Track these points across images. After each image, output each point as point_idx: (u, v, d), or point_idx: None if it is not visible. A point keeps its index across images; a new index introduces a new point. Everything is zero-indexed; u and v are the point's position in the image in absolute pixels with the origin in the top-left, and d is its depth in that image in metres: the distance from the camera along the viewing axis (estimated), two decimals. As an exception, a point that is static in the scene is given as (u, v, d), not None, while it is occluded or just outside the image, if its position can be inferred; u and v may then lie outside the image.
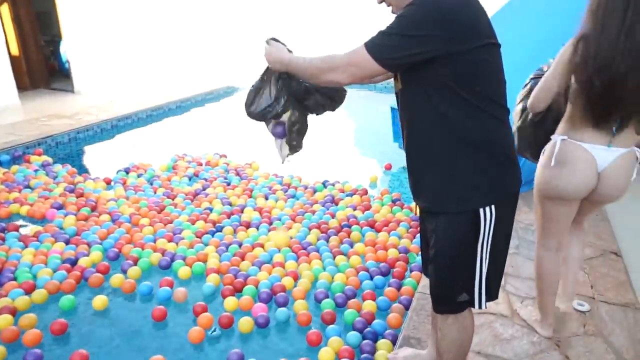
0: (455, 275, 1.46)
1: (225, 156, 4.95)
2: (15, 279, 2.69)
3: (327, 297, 2.61)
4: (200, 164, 4.70)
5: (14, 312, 2.41)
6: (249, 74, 9.01)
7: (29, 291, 2.57)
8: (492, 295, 1.50)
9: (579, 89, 1.75)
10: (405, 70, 1.37)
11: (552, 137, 1.91)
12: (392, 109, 4.79)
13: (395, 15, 1.31)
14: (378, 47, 1.29)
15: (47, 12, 7.53)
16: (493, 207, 1.36)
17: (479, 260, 1.41)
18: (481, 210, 1.36)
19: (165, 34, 8.70)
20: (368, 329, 2.34)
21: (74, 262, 2.87)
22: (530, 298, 2.47)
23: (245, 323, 2.36)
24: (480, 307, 1.47)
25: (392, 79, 1.54)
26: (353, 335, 2.28)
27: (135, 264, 2.87)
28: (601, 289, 2.56)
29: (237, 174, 4.45)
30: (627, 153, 1.79)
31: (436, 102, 1.32)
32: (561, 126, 1.90)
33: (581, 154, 1.80)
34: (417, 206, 1.59)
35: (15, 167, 4.33)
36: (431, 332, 1.92)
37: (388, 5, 1.44)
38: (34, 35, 7.61)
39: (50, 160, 4.60)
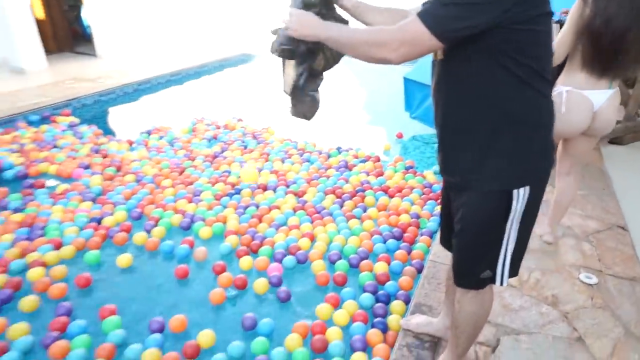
0: (481, 253, 1.34)
1: (242, 120, 4.80)
2: (44, 234, 2.66)
3: (340, 258, 2.54)
4: (219, 127, 4.57)
5: (45, 266, 2.38)
6: (263, 42, 8.76)
7: (57, 247, 2.53)
8: (514, 272, 1.38)
9: (587, 42, 1.95)
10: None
11: (555, 89, 2.11)
12: (405, 79, 4.58)
13: None
14: (436, 18, 1.06)
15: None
16: (528, 188, 1.23)
17: (505, 239, 1.30)
18: (515, 191, 1.22)
19: (178, 4, 8.40)
20: (381, 291, 2.27)
21: (99, 221, 2.82)
22: (539, 269, 2.36)
23: (260, 284, 2.31)
24: (502, 284, 1.37)
25: None
26: (366, 297, 2.22)
27: (156, 224, 2.81)
28: (609, 263, 2.44)
29: (254, 138, 4.32)
30: (615, 93, 2.08)
31: (481, 75, 1.15)
32: (562, 79, 2.16)
33: (582, 100, 2.08)
34: (444, 180, 1.45)
35: (44, 127, 4.26)
36: (444, 301, 1.83)
37: None
38: (58, 1, 7.38)
39: (77, 121, 4.52)
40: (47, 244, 2.53)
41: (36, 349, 1.91)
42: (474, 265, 1.36)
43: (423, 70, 4.48)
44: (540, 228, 2.51)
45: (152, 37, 7.92)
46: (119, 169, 3.54)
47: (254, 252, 2.60)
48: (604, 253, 2.52)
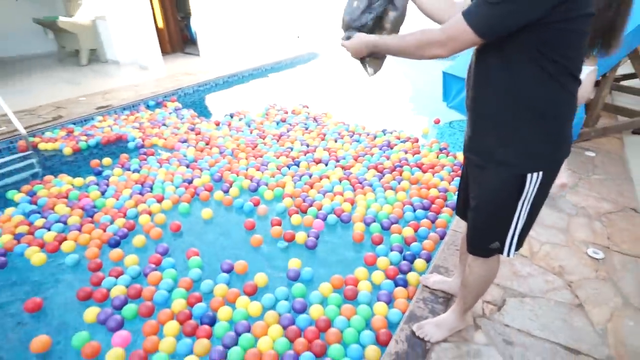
0: (492, 227, 1.27)
1: (307, 107, 4.80)
2: (152, 190, 2.88)
3: (374, 222, 2.50)
4: (287, 112, 4.61)
5: (150, 214, 2.60)
6: (327, 43, 8.63)
7: (159, 200, 2.74)
8: (519, 245, 1.29)
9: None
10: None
11: None
12: (444, 73, 4.31)
13: None
14: (480, 18, 0.96)
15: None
16: (541, 173, 1.13)
17: (516, 217, 1.21)
18: (529, 175, 1.13)
19: (264, 11, 8.47)
20: (408, 252, 2.22)
21: (190, 181, 3.00)
22: (549, 243, 2.16)
23: (301, 237, 2.35)
24: (509, 255, 1.29)
25: None
26: (394, 255, 2.18)
27: (231, 186, 2.93)
28: (617, 241, 2.19)
29: (315, 120, 4.31)
30: (593, 71, 1.96)
31: (512, 68, 1.05)
32: None
33: None
34: (466, 157, 1.33)
35: (157, 110, 4.57)
36: (458, 264, 1.76)
37: None
38: (173, 13, 7.75)
39: (180, 105, 4.78)
40: (153, 198, 2.75)
41: (141, 277, 2.10)
42: (486, 238, 1.29)
43: (460, 65, 4.18)
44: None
45: (240, 40, 8.14)
46: (207, 143, 3.72)
47: (303, 211, 2.63)
48: (614, 232, 2.27)
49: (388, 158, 3.35)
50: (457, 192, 1.60)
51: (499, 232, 1.25)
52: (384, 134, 3.88)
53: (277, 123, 4.28)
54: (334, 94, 5.42)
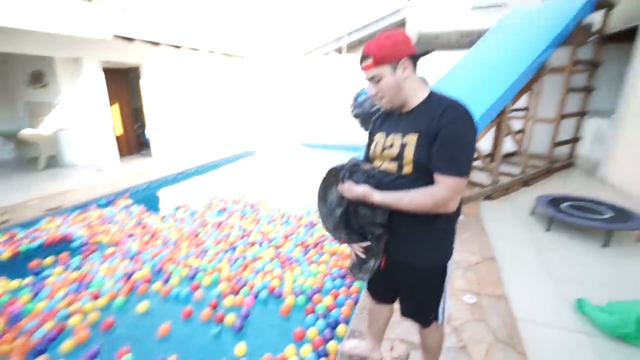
0: (432, 305, 1.34)
1: (246, 196, 4.79)
2: (89, 287, 2.54)
3: (301, 293, 2.43)
4: (227, 202, 4.53)
5: (83, 313, 2.25)
6: (263, 140, 9.03)
7: (95, 297, 2.41)
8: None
9: None
10: (425, 163, 1.09)
11: None
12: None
13: (452, 133, 1.03)
14: (465, 169, 1.06)
15: (139, 108, 7.69)
16: (450, 260, 1.29)
17: (443, 293, 1.31)
18: (447, 263, 1.28)
19: (207, 118, 8.78)
20: (330, 319, 2.15)
21: (130, 275, 2.71)
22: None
23: (231, 319, 2.18)
24: (443, 322, 1.37)
25: (386, 163, 1.17)
26: (320, 323, 2.11)
27: (170, 276, 2.70)
28: (484, 285, 2.37)
29: (252, 207, 4.30)
30: None
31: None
32: None
33: None
34: (393, 260, 1.29)
35: (108, 208, 4.23)
36: (368, 330, 1.72)
37: (379, 96, 1.12)
38: (131, 123, 7.72)
39: (131, 202, 4.50)
40: (89, 295, 2.41)
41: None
42: (429, 313, 1.35)
43: None
44: None
45: (187, 142, 8.19)
46: (153, 235, 3.47)
47: (236, 292, 2.47)
48: (481, 279, 2.44)
49: (312, 235, 3.39)
50: (373, 285, 1.51)
51: (436, 307, 1.33)
52: (309, 214, 3.97)
53: (218, 212, 4.16)
54: (268, 184, 5.54)
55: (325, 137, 8.35)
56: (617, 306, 1.97)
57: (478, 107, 3.79)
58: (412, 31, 8.55)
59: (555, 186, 4.68)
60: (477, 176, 4.72)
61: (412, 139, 1.10)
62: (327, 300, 2.34)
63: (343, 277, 2.65)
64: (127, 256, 2.98)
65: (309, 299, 2.38)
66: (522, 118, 4.81)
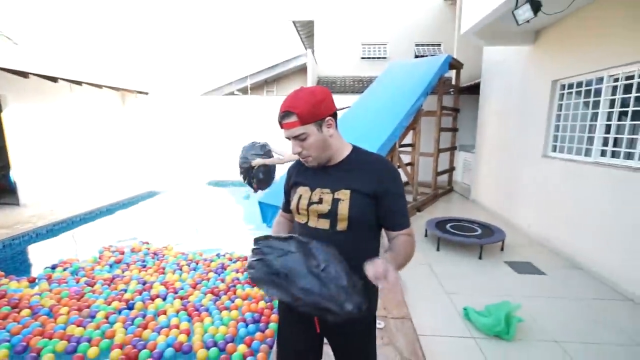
0: (372, 355, 1.23)
1: (148, 242, 4.30)
2: None
3: (215, 345, 2.26)
4: (123, 252, 3.97)
5: None
6: (165, 180, 8.40)
7: None
8: None
9: None
10: (361, 219, 1.08)
11: None
12: (260, 202, 4.33)
13: (398, 192, 1.10)
14: (408, 218, 1.14)
15: (0, 146, 6.32)
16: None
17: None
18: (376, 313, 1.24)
19: (92, 155, 7.75)
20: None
21: (-22, 364, 2.10)
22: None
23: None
24: None
25: (318, 220, 1.11)
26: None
27: (39, 355, 2.18)
28: (389, 308, 2.55)
29: (155, 255, 3.87)
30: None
31: (372, 243, 1.14)
32: None
33: None
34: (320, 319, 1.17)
35: (-56, 278, 3.24)
36: None
37: (304, 154, 1.09)
38: (-13, 163, 6.25)
39: (-18, 266, 3.55)
40: None
41: None
42: None
43: (270, 194, 4.39)
44: None
45: (68, 185, 7.02)
46: (15, 306, 2.77)
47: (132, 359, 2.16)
48: (386, 302, 2.63)
49: (223, 281, 3.23)
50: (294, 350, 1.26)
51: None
52: (219, 257, 3.79)
53: (110, 266, 3.62)
54: (174, 227, 5.11)
55: (231, 174, 8.25)
56: (491, 309, 2.42)
57: (374, 143, 4.39)
58: (313, 75, 9.53)
59: (440, 209, 5.57)
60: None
61: (344, 195, 1.08)
62: (242, 348, 2.23)
63: (257, 321, 2.58)
64: (-26, 339, 2.31)
65: (222, 350, 2.23)
66: (410, 153, 5.69)
